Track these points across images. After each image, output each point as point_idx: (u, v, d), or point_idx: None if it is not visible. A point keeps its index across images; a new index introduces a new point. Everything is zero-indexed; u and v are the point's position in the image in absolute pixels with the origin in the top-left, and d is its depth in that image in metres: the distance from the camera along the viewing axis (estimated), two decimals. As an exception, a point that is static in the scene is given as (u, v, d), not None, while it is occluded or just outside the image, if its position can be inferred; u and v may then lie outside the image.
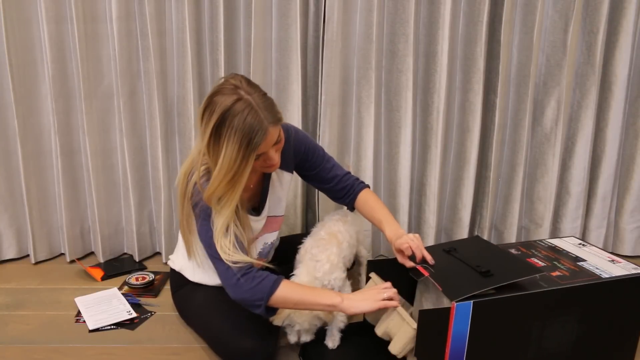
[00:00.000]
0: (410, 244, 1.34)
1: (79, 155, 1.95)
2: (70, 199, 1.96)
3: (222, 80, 1.26)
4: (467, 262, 1.31)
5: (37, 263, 2.00)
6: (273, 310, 1.32)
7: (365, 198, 1.56)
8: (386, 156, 1.99)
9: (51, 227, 2.02)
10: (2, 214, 1.96)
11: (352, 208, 1.60)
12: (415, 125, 1.93)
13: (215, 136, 1.20)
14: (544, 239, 1.56)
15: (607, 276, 1.30)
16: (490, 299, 1.19)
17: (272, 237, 1.55)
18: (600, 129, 1.96)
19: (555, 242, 1.54)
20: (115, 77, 1.86)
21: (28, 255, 2.03)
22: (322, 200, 1.96)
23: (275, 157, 1.30)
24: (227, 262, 1.27)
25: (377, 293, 1.28)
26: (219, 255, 1.28)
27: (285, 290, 1.28)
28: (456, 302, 1.16)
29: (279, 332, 1.49)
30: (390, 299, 1.27)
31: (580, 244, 1.52)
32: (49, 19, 1.77)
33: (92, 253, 2.08)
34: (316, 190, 1.95)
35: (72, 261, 2.00)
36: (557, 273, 1.33)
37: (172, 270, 1.59)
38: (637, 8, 1.82)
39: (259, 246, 1.50)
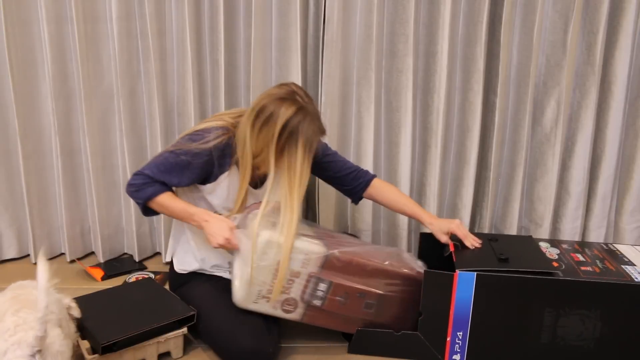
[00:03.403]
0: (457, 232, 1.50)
1: (79, 155, 1.95)
2: (71, 199, 1.96)
3: (278, 86, 1.40)
4: (495, 250, 1.42)
5: (37, 263, 2.00)
6: (153, 211, 1.45)
7: (382, 186, 1.66)
8: (386, 156, 1.99)
9: (51, 227, 2.02)
10: (3, 213, 1.96)
11: (359, 198, 1.67)
12: (415, 125, 1.93)
13: (279, 142, 1.33)
14: (615, 243, 1.58)
15: None
16: (493, 274, 1.30)
17: None
18: (600, 129, 1.96)
19: (622, 247, 1.53)
20: (115, 77, 1.86)
21: (28, 255, 2.03)
22: (322, 199, 1.96)
23: None
24: (144, 169, 1.42)
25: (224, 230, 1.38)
26: (148, 165, 1.43)
27: (164, 200, 1.41)
28: (460, 271, 1.31)
29: (280, 331, 1.49)
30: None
31: None
32: (49, 19, 1.77)
33: (92, 253, 2.08)
34: (317, 191, 1.95)
35: (73, 261, 2.00)
36: (587, 268, 1.33)
37: (171, 269, 1.60)
38: (637, 8, 1.82)
39: None
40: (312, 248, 1.37)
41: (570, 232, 2.02)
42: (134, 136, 1.91)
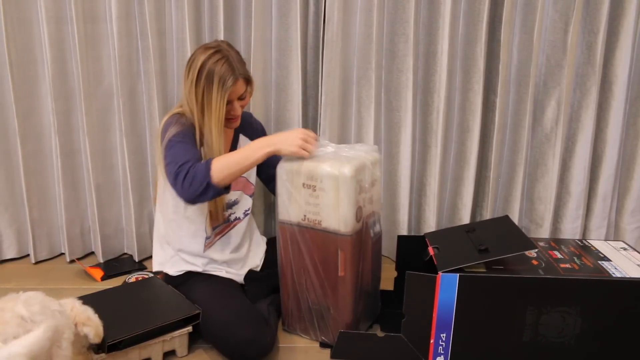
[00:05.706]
0: None
1: (79, 155, 1.95)
2: (70, 199, 1.96)
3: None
4: (474, 241, 1.41)
5: (37, 263, 2.00)
6: (226, 188, 1.38)
7: None
8: (386, 156, 1.99)
9: (51, 227, 2.02)
10: (3, 213, 1.96)
11: None
12: (415, 125, 1.93)
13: (197, 80, 1.41)
14: (588, 239, 1.59)
15: (618, 275, 1.28)
16: (477, 275, 1.30)
17: (235, 195, 1.60)
18: (601, 129, 1.96)
19: (596, 243, 1.54)
20: (115, 77, 1.86)
21: (28, 255, 2.03)
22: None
23: (238, 109, 1.49)
24: (176, 166, 1.35)
25: (300, 133, 1.39)
26: (172, 163, 1.37)
27: (220, 160, 1.35)
28: (442, 272, 1.29)
29: (278, 321, 1.49)
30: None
31: (622, 247, 1.50)
32: (49, 19, 1.77)
33: (92, 253, 2.08)
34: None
35: (72, 261, 2.00)
36: (566, 265, 1.33)
37: (166, 273, 1.61)
38: (637, 8, 1.82)
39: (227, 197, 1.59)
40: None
41: (570, 232, 2.02)
42: (134, 136, 1.91)
